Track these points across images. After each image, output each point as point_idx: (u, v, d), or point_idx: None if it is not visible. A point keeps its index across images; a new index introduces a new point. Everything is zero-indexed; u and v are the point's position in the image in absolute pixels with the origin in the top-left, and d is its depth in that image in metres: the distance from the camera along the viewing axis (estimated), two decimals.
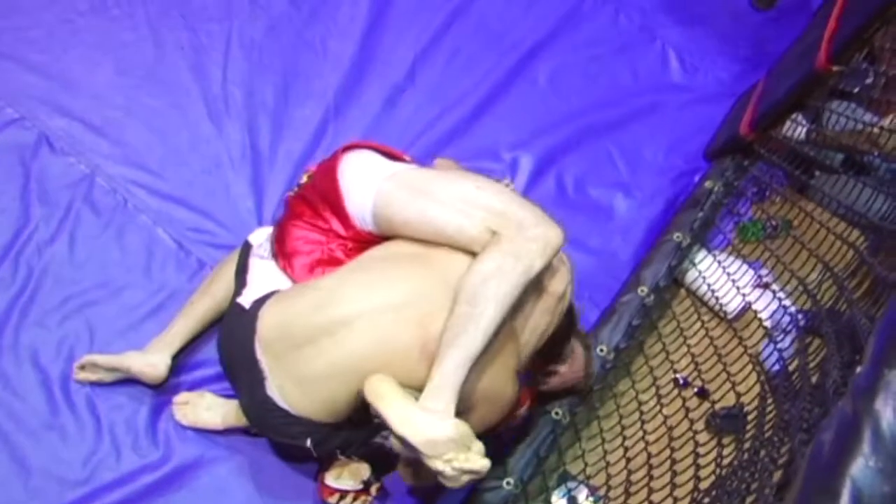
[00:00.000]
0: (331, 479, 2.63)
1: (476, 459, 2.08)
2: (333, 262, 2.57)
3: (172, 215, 3.07)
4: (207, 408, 2.75)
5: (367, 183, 2.50)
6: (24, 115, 3.07)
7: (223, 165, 3.19)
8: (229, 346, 2.53)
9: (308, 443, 2.44)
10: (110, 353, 2.75)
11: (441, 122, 3.47)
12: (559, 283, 2.50)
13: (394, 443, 2.21)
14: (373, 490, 2.66)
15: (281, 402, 2.38)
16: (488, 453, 2.13)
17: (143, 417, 2.74)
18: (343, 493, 2.61)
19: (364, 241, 2.56)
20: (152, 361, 2.70)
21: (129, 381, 2.75)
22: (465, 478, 2.09)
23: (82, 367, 2.73)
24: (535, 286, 2.37)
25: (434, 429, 2.07)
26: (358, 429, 2.51)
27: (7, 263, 2.83)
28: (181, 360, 2.82)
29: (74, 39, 3.25)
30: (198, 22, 3.40)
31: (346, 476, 2.62)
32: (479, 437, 2.24)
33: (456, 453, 2.06)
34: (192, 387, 2.82)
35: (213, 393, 2.79)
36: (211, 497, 2.71)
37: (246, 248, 2.75)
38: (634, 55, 3.85)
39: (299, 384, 2.36)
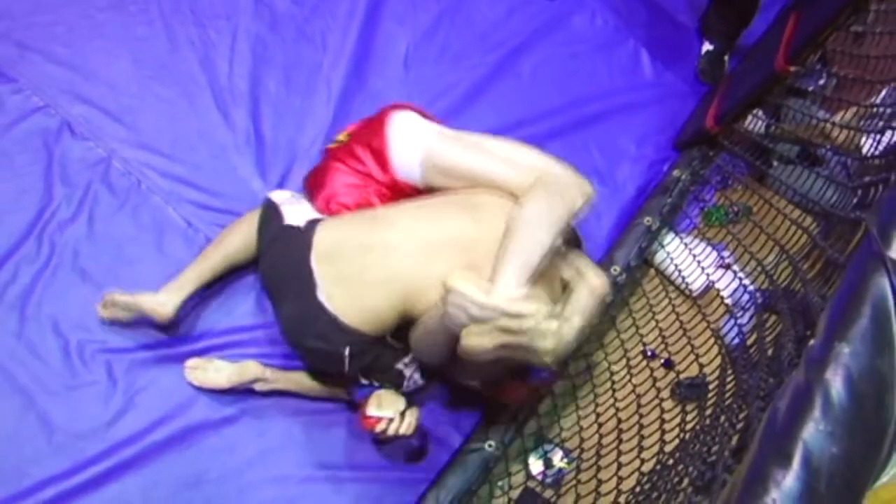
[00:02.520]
0: (372, 409, 2.61)
1: (539, 310, 2.16)
2: (369, 206, 2.68)
3: (182, 196, 3.08)
4: (216, 370, 2.78)
5: (416, 135, 2.69)
6: (48, 102, 3.08)
7: (229, 151, 3.20)
8: (278, 260, 2.60)
9: (346, 351, 2.50)
10: (119, 323, 2.81)
11: (430, 110, 3.43)
12: None
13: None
14: (409, 416, 2.62)
15: (330, 308, 2.45)
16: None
17: (155, 380, 2.78)
18: (388, 420, 2.61)
19: (399, 190, 2.70)
20: (161, 300, 2.73)
21: (144, 347, 2.80)
22: (550, 325, 2.17)
23: (104, 306, 2.77)
24: None
25: (508, 292, 2.18)
26: (390, 349, 2.61)
27: (32, 239, 2.85)
28: (189, 329, 2.87)
29: (94, 34, 3.25)
30: (207, 18, 3.40)
31: (386, 405, 2.62)
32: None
33: (534, 308, 2.15)
34: (202, 353, 2.84)
35: (219, 358, 2.82)
36: (218, 454, 2.75)
37: (270, 205, 2.78)
38: (610, 54, 3.86)
39: (349, 291, 2.45)
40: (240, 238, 2.81)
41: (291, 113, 3.32)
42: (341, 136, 2.87)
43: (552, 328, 2.16)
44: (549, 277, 2.42)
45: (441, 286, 2.25)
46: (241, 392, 2.79)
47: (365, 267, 2.44)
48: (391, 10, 3.65)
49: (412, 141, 2.67)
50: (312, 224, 2.59)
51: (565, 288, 2.53)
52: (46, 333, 2.76)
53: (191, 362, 2.80)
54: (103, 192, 3.00)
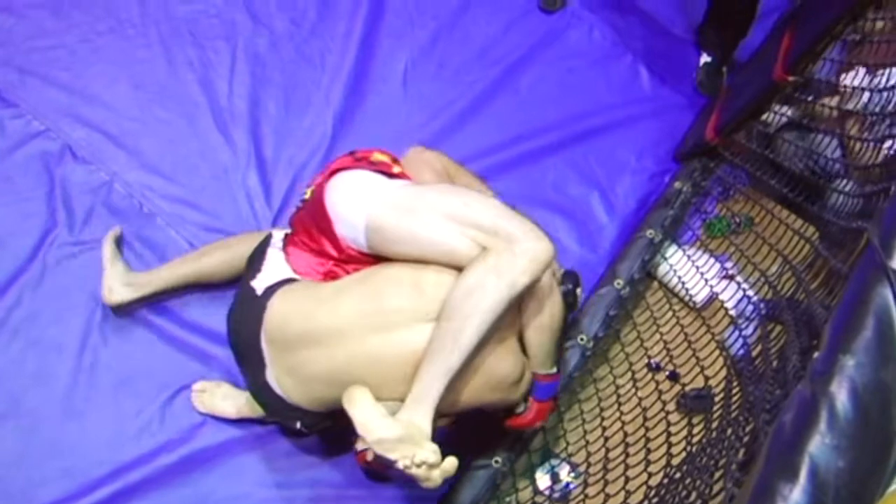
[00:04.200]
0: (360, 443, 2.63)
1: (424, 452, 2.05)
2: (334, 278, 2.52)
3: (184, 217, 3.09)
4: (223, 397, 2.79)
5: (355, 206, 2.41)
6: (50, 126, 3.10)
7: (230, 171, 3.21)
8: (239, 329, 2.52)
9: (298, 425, 2.49)
10: (124, 346, 2.86)
11: (429, 127, 3.49)
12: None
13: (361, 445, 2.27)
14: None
15: (278, 390, 2.41)
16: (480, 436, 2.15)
17: (162, 404, 2.79)
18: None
19: (360, 262, 2.48)
20: (114, 289, 2.80)
21: (151, 370, 2.83)
22: (427, 472, 2.07)
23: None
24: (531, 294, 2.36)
25: (382, 428, 2.08)
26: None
27: (35, 263, 2.88)
28: (196, 352, 2.89)
29: (94, 58, 3.28)
30: (206, 40, 3.42)
31: None
32: (474, 412, 2.39)
33: (405, 451, 2.05)
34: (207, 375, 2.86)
35: (229, 384, 2.82)
36: (224, 476, 2.76)
37: (267, 239, 2.70)
38: (608, 67, 3.85)
39: (295, 380, 2.39)
40: (217, 259, 2.83)
41: (291, 132, 3.33)
42: (307, 193, 2.67)
43: (420, 474, 2.08)
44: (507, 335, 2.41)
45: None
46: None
47: (309, 360, 2.34)
48: (389, 28, 3.67)
49: (351, 213, 2.41)
50: (270, 291, 2.45)
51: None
52: (51, 357, 2.78)
53: (198, 385, 2.82)
54: (105, 216, 3.01)
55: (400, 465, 2.06)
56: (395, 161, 2.66)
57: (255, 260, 2.63)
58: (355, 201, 2.42)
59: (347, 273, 2.50)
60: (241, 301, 2.55)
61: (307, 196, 2.65)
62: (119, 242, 2.90)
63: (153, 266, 2.95)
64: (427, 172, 2.68)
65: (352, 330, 2.29)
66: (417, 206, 2.35)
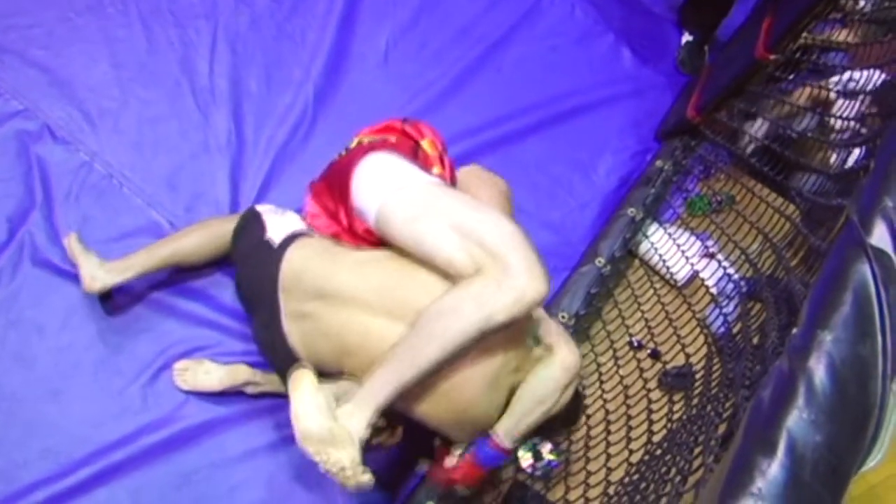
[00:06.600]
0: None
1: (337, 462, 2.04)
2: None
3: (164, 197, 3.07)
4: (206, 372, 2.78)
5: (374, 192, 2.38)
6: (28, 106, 3.06)
7: (211, 151, 3.19)
8: (254, 279, 2.55)
9: None
10: (105, 326, 2.83)
11: (410, 106, 3.47)
12: None
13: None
14: (398, 431, 2.58)
15: (289, 341, 2.42)
16: None
17: (144, 383, 2.78)
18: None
19: (366, 240, 2.48)
20: (95, 275, 2.72)
21: (131, 349, 2.82)
22: (342, 476, 2.06)
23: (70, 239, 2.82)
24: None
25: (311, 422, 2.05)
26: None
27: (14, 244, 2.84)
28: (175, 330, 2.87)
29: (73, 36, 3.23)
30: (186, 18, 3.39)
31: None
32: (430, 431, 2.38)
33: (323, 452, 2.04)
34: (188, 353, 2.85)
35: (209, 360, 2.81)
36: (206, 455, 2.76)
37: (253, 213, 2.73)
38: (590, 46, 3.87)
39: (302, 331, 2.41)
40: (196, 239, 2.81)
41: (272, 111, 3.32)
42: (354, 142, 2.70)
43: (336, 476, 2.07)
44: (514, 339, 2.30)
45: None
46: (230, 393, 2.79)
47: (317, 313, 2.36)
48: (370, 5, 3.65)
49: (370, 197, 2.38)
50: (288, 242, 2.50)
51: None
52: (31, 338, 2.76)
53: (179, 364, 2.80)
54: (85, 196, 2.99)
55: (317, 463, 2.06)
56: (444, 153, 2.68)
57: (254, 224, 2.68)
58: (376, 187, 2.39)
59: (353, 242, 2.53)
60: (257, 252, 2.57)
61: (353, 144, 2.70)
62: (79, 241, 2.84)
63: (132, 247, 2.88)
64: (490, 188, 2.67)
65: (364, 302, 2.30)
66: (429, 209, 2.28)
